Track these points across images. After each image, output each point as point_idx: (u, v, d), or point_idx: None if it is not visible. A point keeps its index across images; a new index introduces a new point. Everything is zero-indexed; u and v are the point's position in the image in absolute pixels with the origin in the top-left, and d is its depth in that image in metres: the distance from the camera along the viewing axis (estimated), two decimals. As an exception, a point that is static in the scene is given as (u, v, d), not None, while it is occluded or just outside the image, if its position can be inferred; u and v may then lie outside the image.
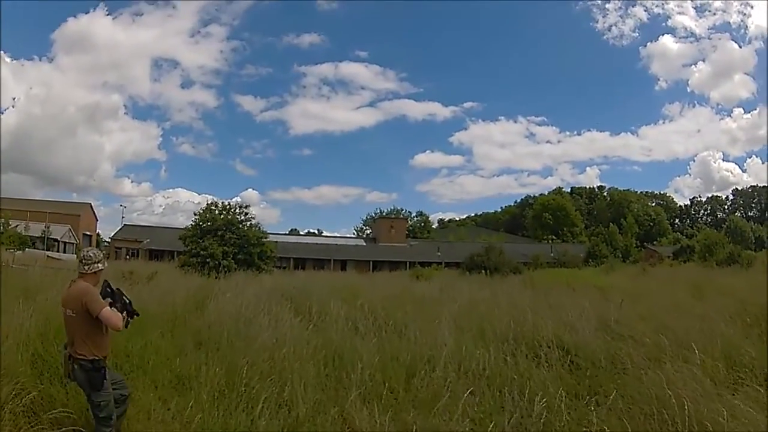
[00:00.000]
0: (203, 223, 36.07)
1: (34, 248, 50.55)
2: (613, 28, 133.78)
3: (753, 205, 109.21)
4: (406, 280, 27.72)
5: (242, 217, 36.97)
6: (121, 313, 4.74)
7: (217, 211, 36.82)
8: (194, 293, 12.45)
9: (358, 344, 7.48)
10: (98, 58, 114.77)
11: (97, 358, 4.64)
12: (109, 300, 4.74)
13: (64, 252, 59.00)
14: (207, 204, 37.78)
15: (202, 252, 34.04)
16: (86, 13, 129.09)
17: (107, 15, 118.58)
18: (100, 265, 4.82)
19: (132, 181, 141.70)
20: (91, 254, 4.83)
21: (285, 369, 6.48)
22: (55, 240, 61.95)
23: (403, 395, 6.17)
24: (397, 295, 15.30)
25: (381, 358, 6.99)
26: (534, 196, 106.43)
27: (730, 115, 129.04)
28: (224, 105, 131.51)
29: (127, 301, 4.90)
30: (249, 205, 38.58)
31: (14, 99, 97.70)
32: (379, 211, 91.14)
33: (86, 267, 4.76)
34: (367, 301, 13.28)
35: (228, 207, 37.20)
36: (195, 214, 37.05)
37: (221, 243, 34.54)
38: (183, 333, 8.47)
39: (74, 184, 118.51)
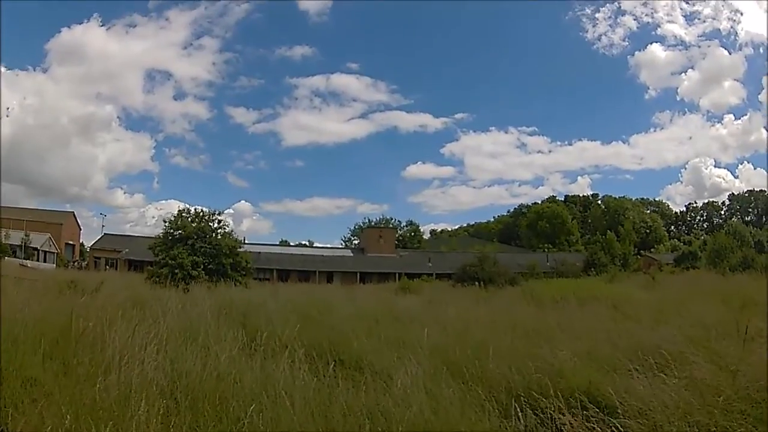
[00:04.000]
0: (174, 231, 33.25)
1: (15, 257, 49.00)
2: (603, 37, 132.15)
3: (750, 209, 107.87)
4: (391, 294, 25.06)
5: (215, 225, 34.06)
6: None
7: (189, 219, 33.95)
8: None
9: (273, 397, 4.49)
10: (92, 69, 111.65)
11: None
12: None
13: (44, 261, 56.99)
14: (178, 211, 34.97)
15: (170, 262, 31.18)
16: (80, 24, 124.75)
17: (101, 26, 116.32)
18: None
19: (125, 192, 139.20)
20: None
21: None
22: (35, 249, 59.25)
23: None
24: (372, 314, 12.52)
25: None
26: (527, 205, 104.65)
27: (721, 122, 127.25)
28: (217, 117, 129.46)
29: None
30: (222, 212, 35.80)
31: (8, 109, 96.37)
32: (368, 221, 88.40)
33: None
34: (333, 321, 10.72)
35: (201, 214, 34.31)
36: (164, 222, 34.19)
37: (191, 252, 31.69)
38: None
39: (67, 194, 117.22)
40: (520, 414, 4.55)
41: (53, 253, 63.26)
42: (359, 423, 4.37)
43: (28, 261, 47.32)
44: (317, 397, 4.84)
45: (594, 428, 4.32)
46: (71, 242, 73.33)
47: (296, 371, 5.73)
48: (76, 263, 63.47)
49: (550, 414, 4.69)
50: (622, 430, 4.37)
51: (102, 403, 4.49)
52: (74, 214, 78.00)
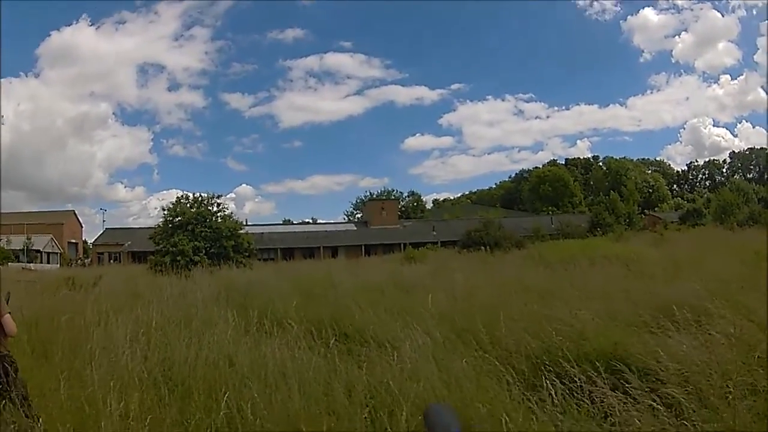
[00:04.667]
0: (173, 218, 32.96)
1: (18, 261, 49.01)
2: (595, 3, 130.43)
3: (752, 167, 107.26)
4: (396, 264, 24.57)
5: (214, 209, 33.77)
6: None
7: (188, 205, 33.60)
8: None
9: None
10: (84, 69, 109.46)
11: None
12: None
13: (48, 262, 56.99)
14: (176, 198, 34.75)
15: (172, 249, 30.93)
16: (69, 26, 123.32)
17: (90, 26, 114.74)
18: None
19: (125, 186, 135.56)
20: None
21: None
22: (38, 251, 59.16)
23: None
24: (376, 286, 12.09)
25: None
26: (528, 170, 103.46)
27: (717, 82, 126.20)
28: (212, 104, 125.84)
29: None
30: (221, 196, 35.48)
31: (2, 117, 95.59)
32: (369, 194, 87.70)
33: None
34: (335, 295, 10.30)
35: (199, 199, 33.98)
36: (163, 210, 33.85)
37: (192, 238, 31.42)
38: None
39: (68, 194, 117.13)
40: (548, 384, 3.97)
41: (56, 253, 63.29)
42: (362, 402, 3.90)
43: (31, 264, 47.18)
44: (316, 377, 4.38)
45: (636, 399, 3.80)
46: (74, 241, 73.25)
47: (294, 350, 5.29)
48: (79, 261, 63.36)
49: (579, 382, 4.16)
50: (666, 399, 3.85)
51: (71, 402, 4.04)
52: (75, 213, 78.00)
